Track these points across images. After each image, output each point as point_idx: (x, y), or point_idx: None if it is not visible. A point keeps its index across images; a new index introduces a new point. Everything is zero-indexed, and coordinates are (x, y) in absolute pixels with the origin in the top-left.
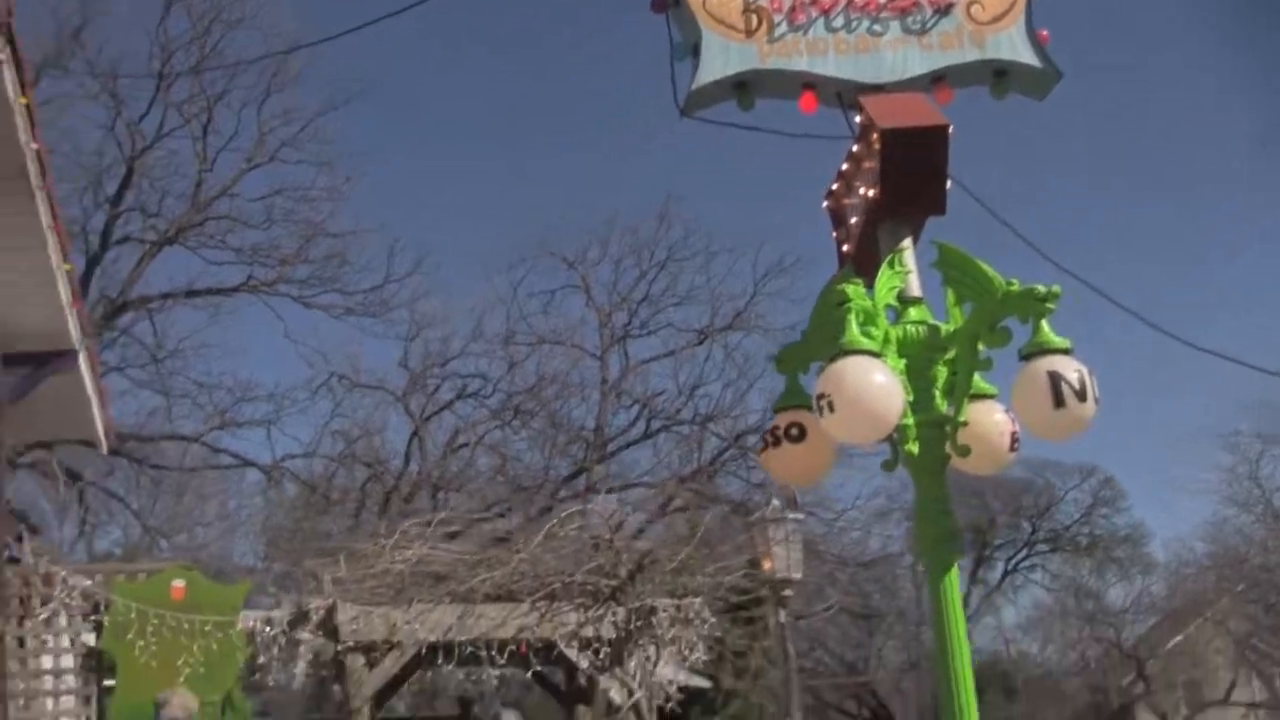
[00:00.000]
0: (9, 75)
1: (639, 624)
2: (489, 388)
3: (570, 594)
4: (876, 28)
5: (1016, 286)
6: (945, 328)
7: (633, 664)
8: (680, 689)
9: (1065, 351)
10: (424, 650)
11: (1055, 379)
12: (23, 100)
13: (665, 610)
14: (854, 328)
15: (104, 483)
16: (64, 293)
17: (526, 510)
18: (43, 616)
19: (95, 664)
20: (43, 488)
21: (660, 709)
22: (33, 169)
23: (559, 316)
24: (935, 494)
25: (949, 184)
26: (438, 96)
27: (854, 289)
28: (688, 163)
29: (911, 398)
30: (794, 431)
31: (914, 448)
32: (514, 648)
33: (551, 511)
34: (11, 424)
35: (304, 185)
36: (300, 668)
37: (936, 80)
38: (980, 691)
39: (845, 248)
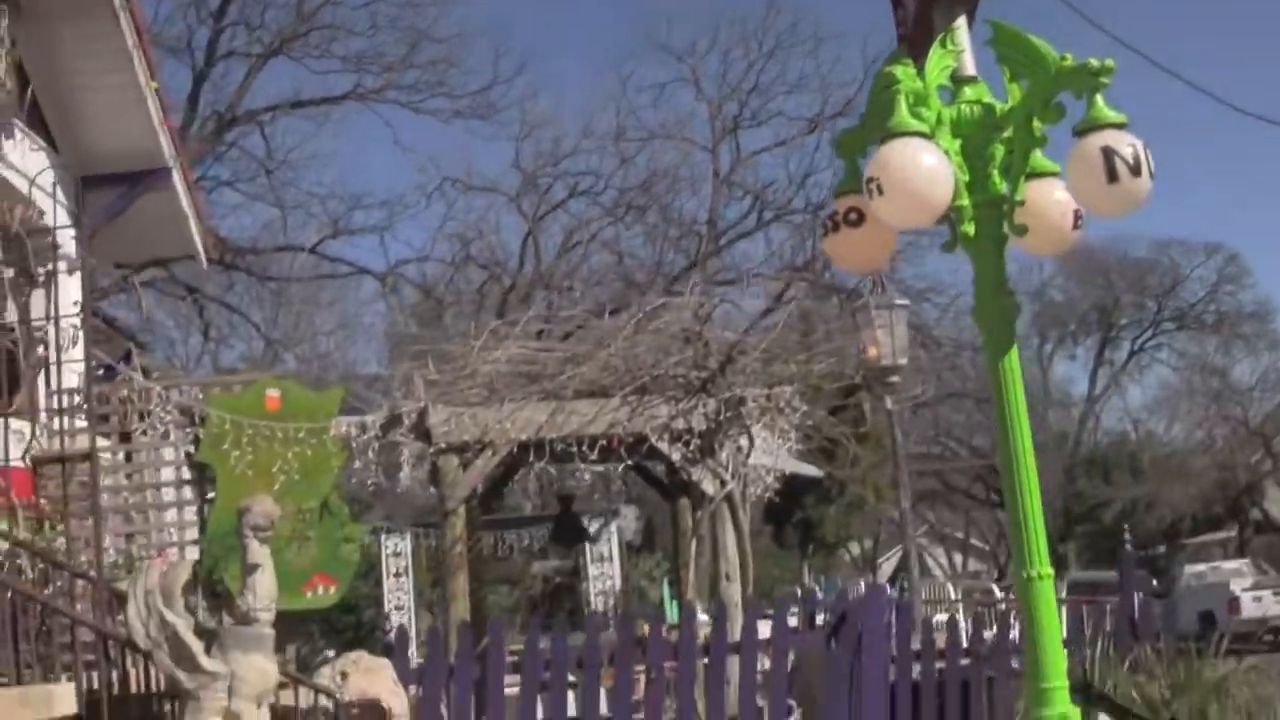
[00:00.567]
0: None
1: (728, 415)
2: (601, 185)
3: (661, 387)
4: None
5: (1070, 61)
6: (1001, 107)
7: (724, 455)
8: (791, 477)
9: (1120, 126)
10: (515, 450)
11: (1109, 154)
12: None
13: (755, 400)
14: (903, 109)
15: (224, 297)
16: (154, 111)
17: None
18: (140, 431)
19: (197, 476)
20: (164, 304)
21: (770, 500)
22: None
23: (669, 110)
24: (994, 274)
25: None
26: None
27: (903, 70)
28: None
29: (967, 178)
30: (852, 216)
31: (970, 228)
32: (604, 443)
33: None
34: (111, 243)
35: None
36: (405, 471)
37: None
38: (1106, 472)
39: (902, 30)
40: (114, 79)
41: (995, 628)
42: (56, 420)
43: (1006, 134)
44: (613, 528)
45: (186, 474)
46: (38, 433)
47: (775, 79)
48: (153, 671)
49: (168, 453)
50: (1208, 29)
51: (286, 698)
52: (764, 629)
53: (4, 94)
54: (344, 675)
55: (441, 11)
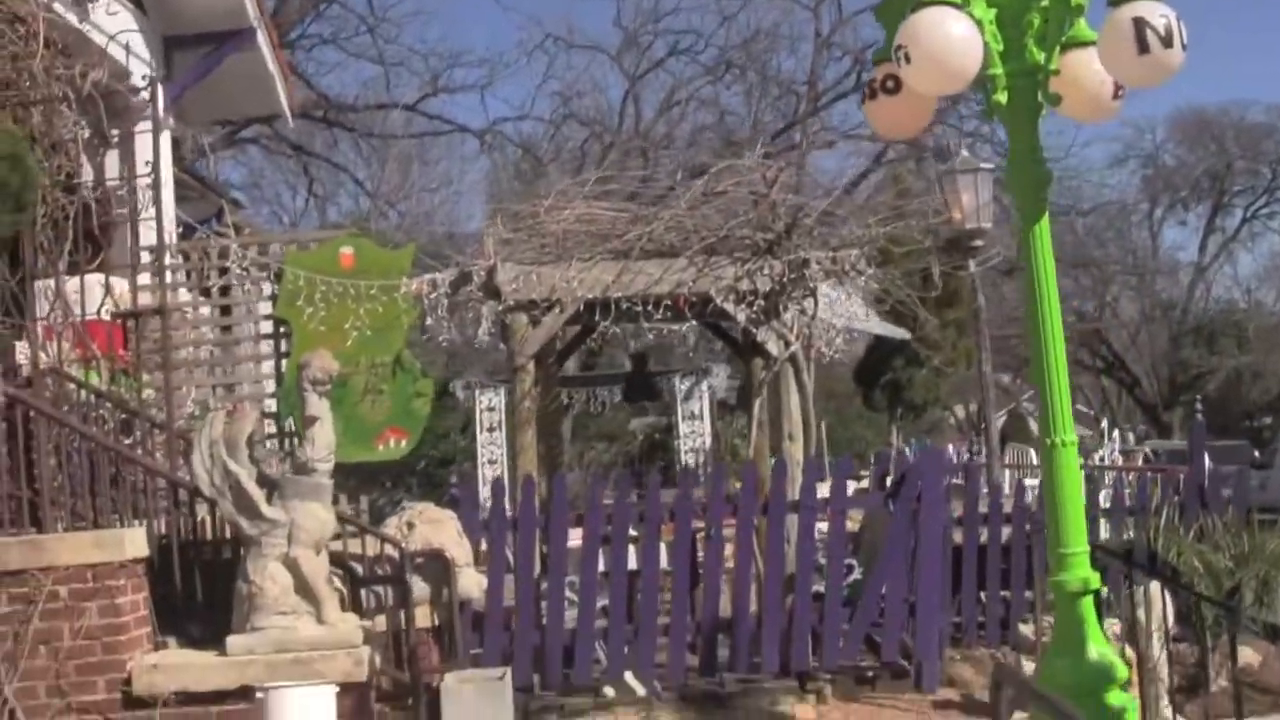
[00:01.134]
0: None
1: (792, 277)
2: (701, 43)
3: (728, 248)
4: None
5: None
6: None
7: (788, 316)
8: (879, 340)
9: None
10: (582, 309)
11: (1140, 25)
12: None
13: (819, 263)
14: None
15: (329, 154)
16: None
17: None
18: (218, 287)
19: (275, 331)
20: (272, 162)
21: (859, 362)
22: None
23: None
24: (1027, 143)
25: None
26: None
27: None
28: None
29: (1001, 47)
30: (890, 84)
31: (1002, 97)
32: (669, 303)
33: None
34: (200, 103)
35: None
36: (484, 327)
37: None
38: (1211, 339)
39: None
40: None
41: None
42: (135, 277)
43: (1044, 3)
44: (704, 386)
45: (266, 328)
46: (113, 290)
47: None
48: (219, 518)
49: (244, 308)
50: None
51: (355, 546)
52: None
53: None
54: (410, 526)
55: None
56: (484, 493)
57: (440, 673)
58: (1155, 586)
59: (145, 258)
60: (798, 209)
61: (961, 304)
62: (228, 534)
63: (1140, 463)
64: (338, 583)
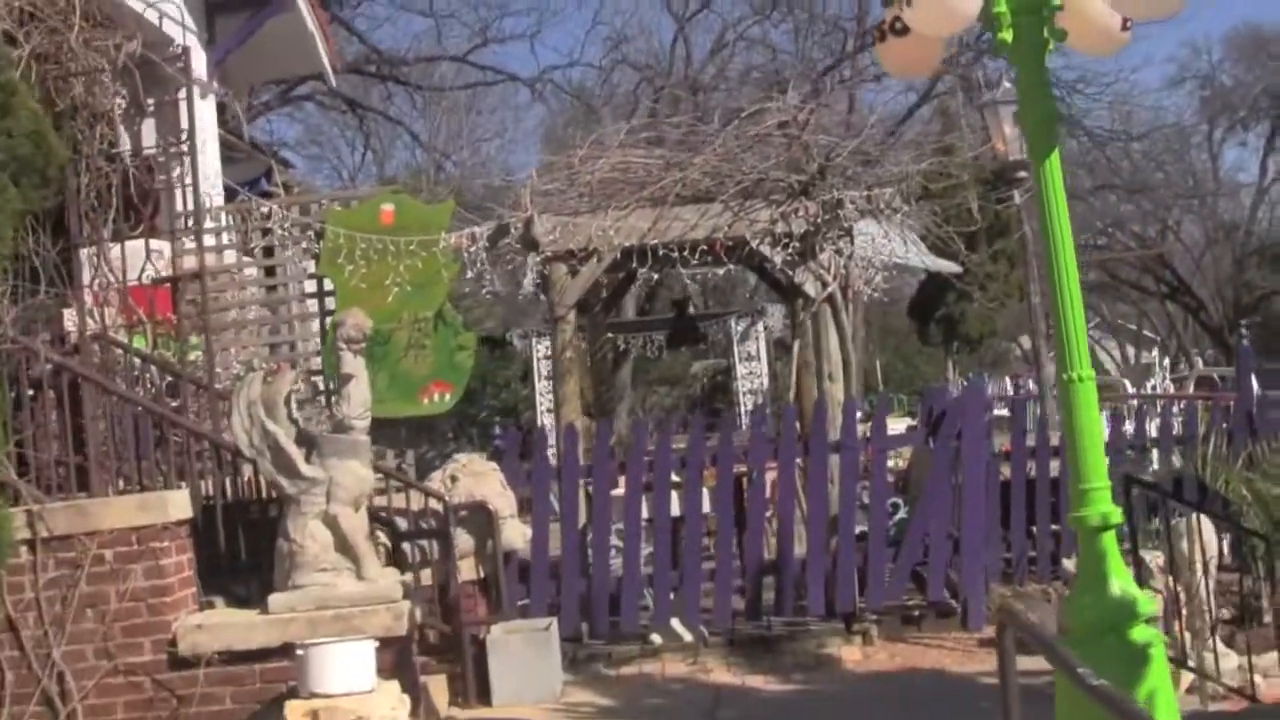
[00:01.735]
0: None
1: (826, 217)
2: None
3: (763, 191)
4: None
5: None
6: None
7: (824, 257)
8: (931, 274)
9: None
10: (620, 256)
11: None
12: None
13: (852, 202)
14: None
15: (383, 109)
16: None
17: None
18: (262, 247)
19: (319, 290)
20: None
21: (911, 297)
22: None
23: None
24: (1035, 79)
25: None
26: None
27: None
28: None
29: None
30: (898, 25)
31: (1007, 35)
32: (705, 248)
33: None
34: (243, 65)
35: None
36: (529, 278)
37: None
38: (1276, 260)
39: None
40: None
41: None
42: (174, 242)
43: None
44: (759, 327)
45: (310, 287)
46: (160, 254)
47: None
48: (261, 477)
49: (287, 268)
50: None
51: (399, 500)
52: (892, 427)
53: None
54: (453, 479)
55: None
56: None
57: (487, 624)
58: (1199, 518)
59: (188, 223)
60: (830, 149)
61: (1012, 235)
62: (272, 494)
63: (1191, 389)
64: (382, 537)
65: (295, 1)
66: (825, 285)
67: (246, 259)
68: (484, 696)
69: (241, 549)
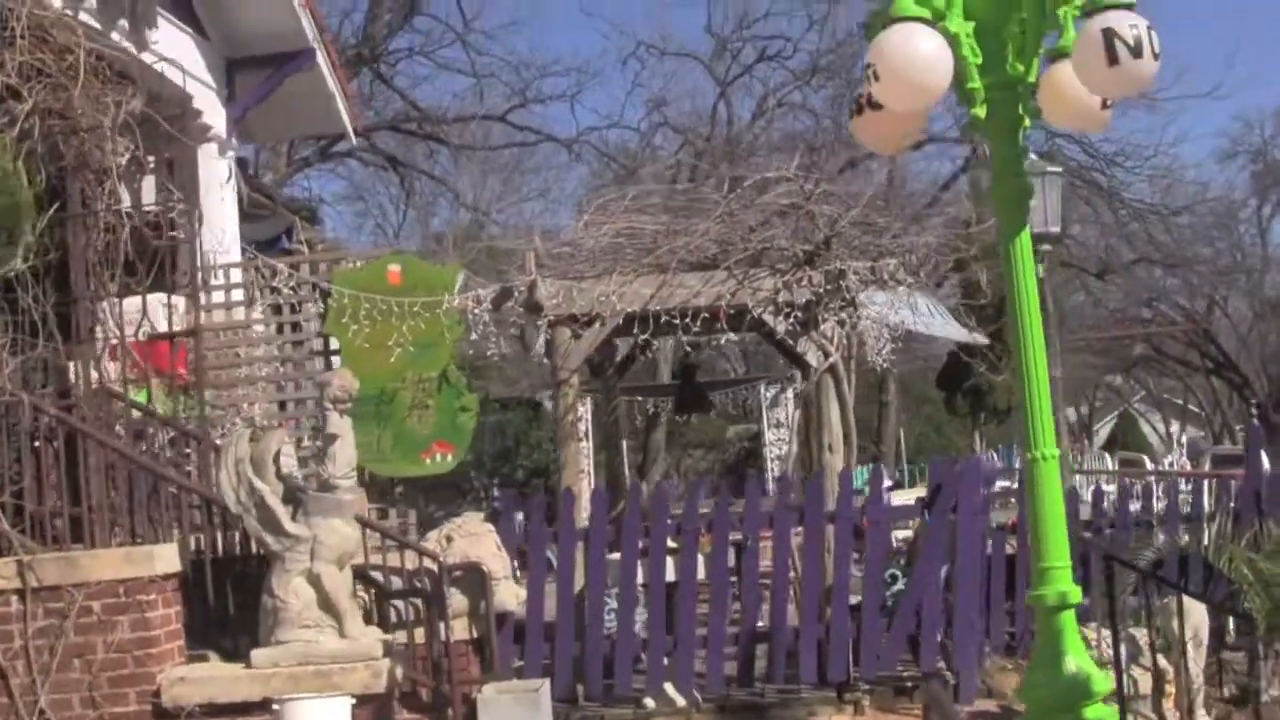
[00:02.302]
0: None
1: (828, 288)
2: (790, 48)
3: (768, 260)
4: None
5: None
6: None
7: (827, 327)
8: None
9: (1124, 7)
10: (622, 322)
11: (1109, 35)
12: None
13: (856, 273)
14: None
15: (425, 166)
16: None
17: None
18: (265, 305)
19: (325, 349)
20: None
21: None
22: None
23: None
24: (1008, 155)
25: None
26: None
27: None
28: None
29: (979, 61)
30: (874, 100)
31: (981, 111)
32: (706, 315)
33: (848, 170)
34: (265, 122)
35: None
36: (540, 341)
37: None
38: None
39: None
40: None
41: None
42: (171, 298)
43: (1023, 15)
44: (789, 394)
45: (319, 345)
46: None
47: None
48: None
49: (294, 327)
50: None
51: (392, 560)
52: (900, 499)
53: None
54: (449, 539)
55: None
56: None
57: (479, 684)
58: (1180, 598)
59: (196, 280)
60: (835, 218)
61: (1042, 307)
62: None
63: (1208, 467)
64: (364, 595)
65: (315, 61)
66: (827, 355)
67: (256, 316)
68: None
69: (231, 604)
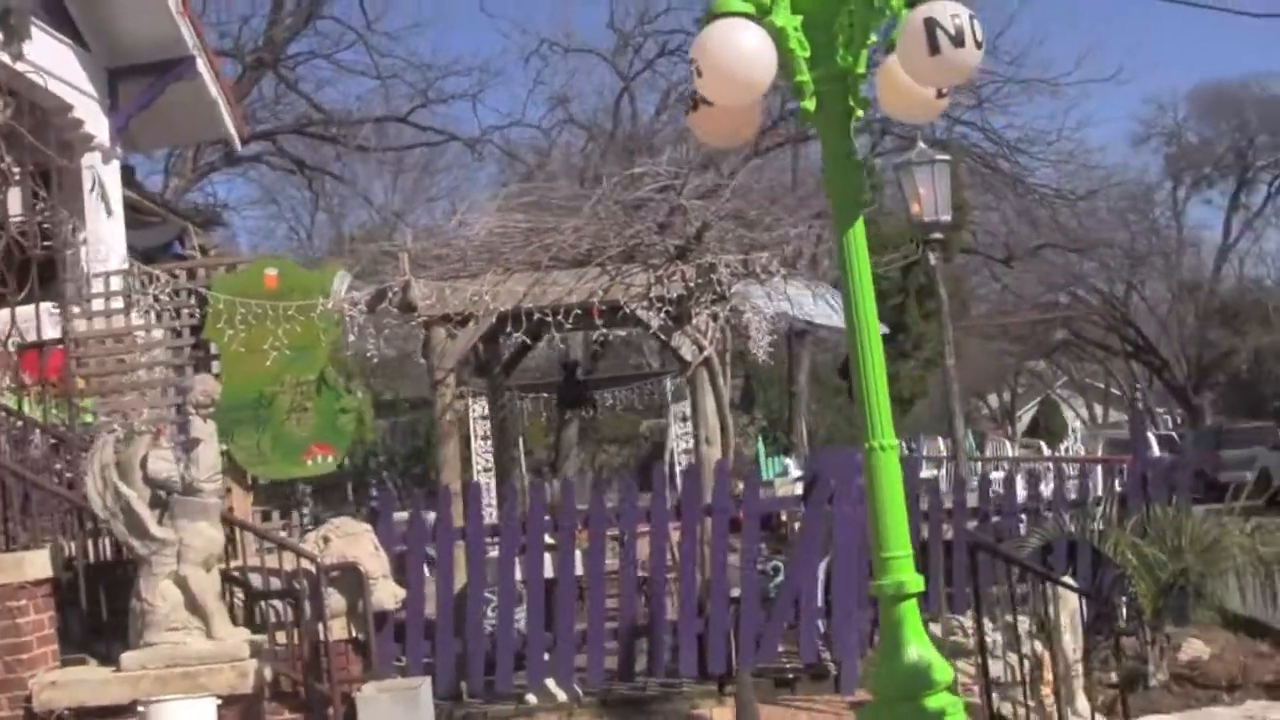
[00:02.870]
0: None
1: (700, 281)
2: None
3: (642, 256)
4: None
5: None
6: None
7: (700, 321)
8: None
9: None
10: (496, 320)
11: (930, 25)
12: None
13: (727, 265)
14: None
15: (336, 168)
16: (171, 1)
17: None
18: (142, 311)
19: (204, 354)
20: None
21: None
22: None
23: None
24: (841, 148)
25: None
26: None
27: None
28: None
29: (807, 53)
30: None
31: (810, 104)
32: (579, 312)
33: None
34: (150, 129)
35: None
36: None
37: None
38: (1236, 318)
39: None
40: None
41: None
42: (38, 307)
43: (851, 6)
44: None
45: (200, 351)
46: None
47: None
48: None
49: (158, 332)
50: None
51: (272, 561)
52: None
53: None
54: (326, 540)
55: None
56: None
57: (358, 683)
58: (1052, 586)
59: (73, 288)
60: (707, 213)
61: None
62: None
63: (1100, 451)
64: (238, 596)
65: (197, 70)
66: (701, 349)
67: (136, 322)
68: None
69: (105, 609)
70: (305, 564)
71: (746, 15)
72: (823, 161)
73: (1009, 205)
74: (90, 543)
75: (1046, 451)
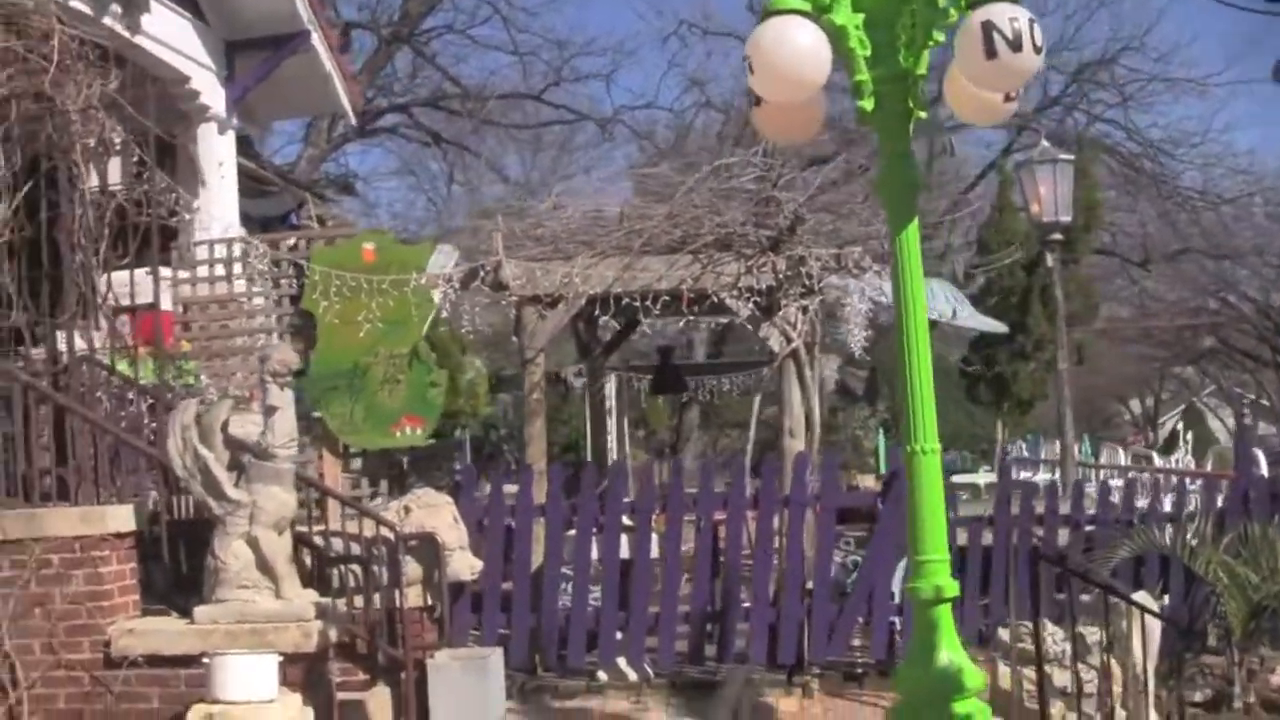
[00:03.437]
0: None
1: (788, 274)
2: None
3: (735, 245)
4: None
5: None
6: None
7: (789, 312)
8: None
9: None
10: (585, 303)
11: (988, 29)
12: None
13: (818, 259)
14: None
15: (474, 143)
16: None
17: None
18: (244, 279)
19: (305, 323)
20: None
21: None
22: None
23: None
24: (898, 149)
25: None
26: None
27: None
28: None
29: (868, 52)
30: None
31: (868, 103)
32: (667, 299)
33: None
34: (263, 104)
35: None
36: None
37: None
38: None
39: None
40: None
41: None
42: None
43: (914, 6)
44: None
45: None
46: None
47: None
48: None
49: (259, 300)
50: None
51: (353, 528)
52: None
53: None
54: (407, 510)
55: None
56: None
57: (432, 650)
58: (1144, 597)
59: (179, 255)
60: (799, 205)
61: (1070, 298)
62: None
63: (1210, 467)
64: (308, 559)
65: (311, 44)
66: (789, 340)
67: (239, 290)
68: (424, 718)
69: (185, 564)
70: (385, 532)
71: (803, 13)
72: (879, 160)
73: (1148, 207)
74: (175, 500)
75: (1158, 463)
